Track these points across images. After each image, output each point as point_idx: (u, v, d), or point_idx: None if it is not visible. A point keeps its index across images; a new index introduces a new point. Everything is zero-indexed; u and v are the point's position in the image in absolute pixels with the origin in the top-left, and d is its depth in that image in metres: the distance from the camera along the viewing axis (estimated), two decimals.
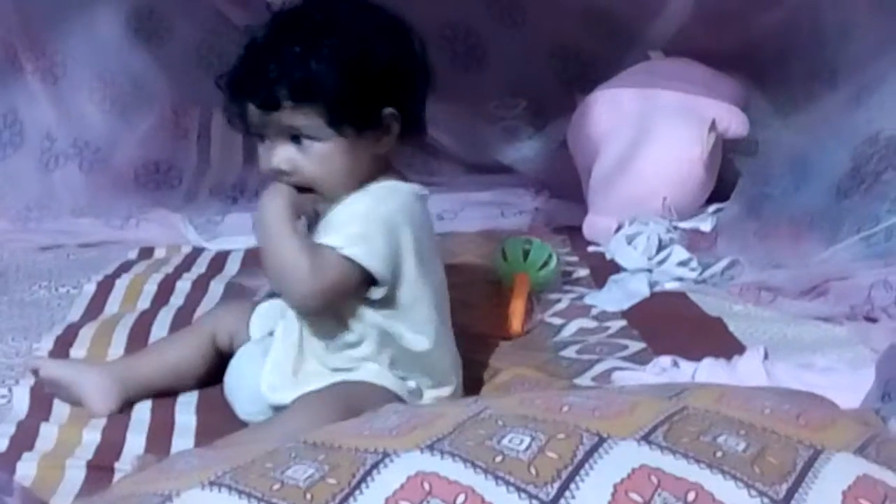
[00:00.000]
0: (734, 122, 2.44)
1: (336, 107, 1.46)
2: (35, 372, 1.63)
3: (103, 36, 2.58)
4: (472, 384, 1.67)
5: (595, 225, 2.40)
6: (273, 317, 1.62)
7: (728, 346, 1.75)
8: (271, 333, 1.60)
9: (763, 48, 2.53)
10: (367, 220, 1.48)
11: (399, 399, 1.50)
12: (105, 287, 2.12)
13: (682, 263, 2.13)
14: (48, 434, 1.53)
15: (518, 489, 0.99)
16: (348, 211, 1.49)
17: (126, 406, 1.59)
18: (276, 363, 1.55)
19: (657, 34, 2.64)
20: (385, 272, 1.48)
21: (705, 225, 2.33)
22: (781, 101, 2.44)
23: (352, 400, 1.45)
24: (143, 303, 2.03)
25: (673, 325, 1.88)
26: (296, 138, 1.48)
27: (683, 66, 2.56)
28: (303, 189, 1.50)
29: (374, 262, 1.47)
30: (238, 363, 1.60)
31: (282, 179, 1.49)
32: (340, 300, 1.50)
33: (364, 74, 1.47)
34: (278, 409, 1.52)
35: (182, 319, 1.88)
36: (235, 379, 1.59)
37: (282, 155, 1.49)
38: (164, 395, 1.62)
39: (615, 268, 2.17)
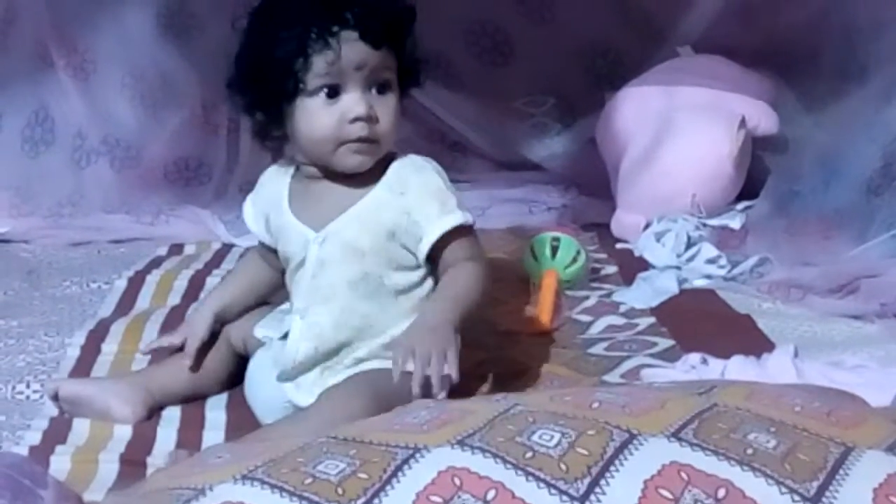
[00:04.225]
0: (764, 120, 2.43)
1: (407, 58, 1.48)
2: (55, 396, 1.57)
3: (133, 32, 2.58)
4: (500, 381, 1.67)
5: (623, 222, 2.40)
6: (277, 319, 1.59)
7: (757, 344, 1.74)
8: (283, 337, 1.55)
9: (793, 44, 2.52)
10: (450, 188, 1.51)
11: None
12: (136, 283, 2.14)
13: (711, 261, 2.13)
14: (80, 429, 1.54)
15: (548, 485, 0.99)
16: (429, 187, 1.50)
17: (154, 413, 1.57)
18: (302, 359, 1.52)
19: (686, 31, 2.64)
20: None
21: (734, 222, 2.32)
22: (811, 97, 2.43)
23: (375, 386, 1.44)
24: (174, 298, 2.04)
25: (702, 322, 1.87)
26: (381, 87, 1.47)
27: (713, 62, 2.55)
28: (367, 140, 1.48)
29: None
30: (251, 374, 1.59)
31: (351, 132, 1.46)
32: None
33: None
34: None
35: None
36: (252, 389, 1.58)
37: (367, 102, 1.45)
38: (190, 400, 1.61)
39: (644, 265, 2.17)
